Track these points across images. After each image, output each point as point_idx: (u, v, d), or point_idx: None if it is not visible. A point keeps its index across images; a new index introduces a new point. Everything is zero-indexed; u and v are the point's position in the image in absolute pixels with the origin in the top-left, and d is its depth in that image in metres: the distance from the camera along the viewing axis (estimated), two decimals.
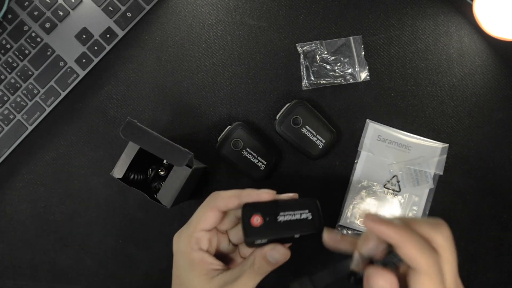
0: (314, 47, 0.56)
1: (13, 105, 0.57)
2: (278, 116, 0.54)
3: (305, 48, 0.56)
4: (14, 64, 0.57)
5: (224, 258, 0.39)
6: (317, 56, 0.56)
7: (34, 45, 0.57)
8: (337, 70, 0.56)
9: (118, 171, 0.48)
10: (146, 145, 0.44)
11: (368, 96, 0.56)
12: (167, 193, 0.47)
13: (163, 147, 0.44)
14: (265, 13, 0.57)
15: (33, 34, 0.57)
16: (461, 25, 0.56)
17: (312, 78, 0.56)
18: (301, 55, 0.56)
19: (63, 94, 0.57)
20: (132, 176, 0.50)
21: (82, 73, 0.57)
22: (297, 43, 0.56)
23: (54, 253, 0.57)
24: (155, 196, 0.48)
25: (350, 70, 0.56)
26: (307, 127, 0.53)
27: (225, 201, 0.36)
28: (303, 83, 0.56)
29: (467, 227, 0.55)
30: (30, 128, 0.57)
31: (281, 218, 0.36)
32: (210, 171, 0.56)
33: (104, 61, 0.58)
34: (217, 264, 0.37)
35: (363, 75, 0.56)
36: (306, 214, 0.36)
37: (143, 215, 0.57)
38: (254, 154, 0.53)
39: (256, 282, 0.36)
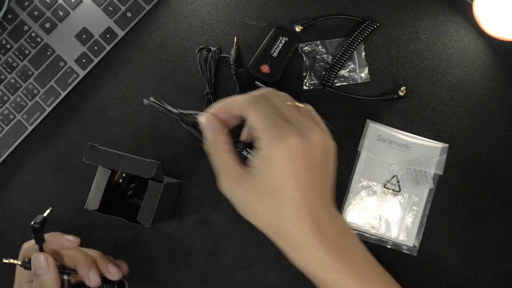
0: (314, 47, 0.56)
1: (13, 105, 0.57)
2: None
3: (305, 48, 0.56)
4: (14, 64, 0.57)
5: None
6: (318, 56, 0.56)
7: (34, 45, 0.57)
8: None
9: (93, 203, 0.48)
10: (111, 165, 0.45)
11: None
12: (145, 213, 0.48)
13: (129, 162, 0.45)
14: (265, 13, 0.57)
15: (33, 34, 0.57)
16: (461, 25, 0.56)
17: (313, 78, 0.56)
18: (302, 55, 0.56)
19: (63, 94, 0.57)
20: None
21: (82, 73, 0.57)
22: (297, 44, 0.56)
23: None
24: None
25: (350, 70, 0.56)
26: None
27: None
28: (304, 83, 0.56)
29: (467, 227, 0.55)
30: (30, 128, 0.57)
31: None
32: (186, 185, 0.56)
33: (104, 61, 0.58)
34: None
35: (363, 75, 0.56)
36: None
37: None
38: (255, 154, 0.53)
39: None
